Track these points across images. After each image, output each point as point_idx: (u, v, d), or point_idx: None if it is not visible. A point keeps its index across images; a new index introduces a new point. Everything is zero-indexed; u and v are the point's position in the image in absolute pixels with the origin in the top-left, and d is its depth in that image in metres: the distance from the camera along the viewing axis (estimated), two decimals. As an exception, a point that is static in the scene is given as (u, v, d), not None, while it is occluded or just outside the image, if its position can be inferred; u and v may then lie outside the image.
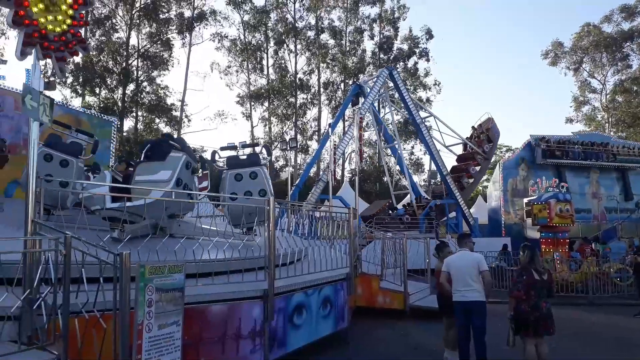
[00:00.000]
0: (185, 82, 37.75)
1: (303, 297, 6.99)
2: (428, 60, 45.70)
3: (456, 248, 7.17)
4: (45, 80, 4.54)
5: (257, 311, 5.99)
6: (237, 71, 42.22)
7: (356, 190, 15.74)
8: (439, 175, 26.70)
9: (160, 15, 35.44)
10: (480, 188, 42.17)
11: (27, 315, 4.08)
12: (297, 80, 42.34)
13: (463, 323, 6.37)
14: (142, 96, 35.70)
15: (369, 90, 24.86)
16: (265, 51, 42.55)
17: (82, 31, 4.87)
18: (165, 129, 38.25)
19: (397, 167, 32.95)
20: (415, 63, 45.83)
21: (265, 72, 42.58)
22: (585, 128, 47.71)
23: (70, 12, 4.69)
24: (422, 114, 27.55)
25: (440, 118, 27.64)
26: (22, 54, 4.39)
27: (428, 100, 45.88)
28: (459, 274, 6.41)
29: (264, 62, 42.64)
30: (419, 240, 15.16)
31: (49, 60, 4.68)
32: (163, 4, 35.81)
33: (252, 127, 41.77)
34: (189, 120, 38.68)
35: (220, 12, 40.03)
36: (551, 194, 16.37)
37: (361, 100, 24.96)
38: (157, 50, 35.94)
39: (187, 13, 37.48)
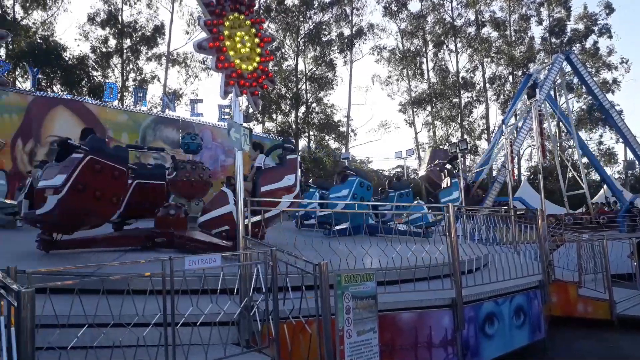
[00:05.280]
0: (349, 98, 39.40)
1: (493, 306, 6.68)
2: (610, 37, 40.42)
3: None
4: (244, 114, 5.18)
5: (447, 320, 5.91)
6: (397, 80, 42.57)
7: (541, 191, 14.48)
8: (637, 166, 23.17)
9: (323, 38, 37.60)
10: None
11: (245, 320, 4.64)
12: (460, 80, 40.96)
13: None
14: (312, 117, 38.22)
15: (542, 79, 22.86)
16: (425, 55, 42.09)
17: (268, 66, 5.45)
18: (334, 145, 40.32)
19: (584, 160, 29.39)
20: (595, 42, 40.87)
21: (425, 77, 42.09)
22: None
23: (258, 50, 5.29)
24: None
25: (633, 101, 24.09)
26: (225, 93, 5.10)
27: (615, 81, 40.27)
28: None
29: (424, 66, 42.25)
30: (621, 241, 13.37)
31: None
32: (324, 27, 37.96)
33: (416, 133, 41.57)
34: (355, 134, 40.17)
35: (377, 25, 40.92)
36: None
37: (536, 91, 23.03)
38: (322, 72, 38.16)
39: (347, 32, 39.13)
